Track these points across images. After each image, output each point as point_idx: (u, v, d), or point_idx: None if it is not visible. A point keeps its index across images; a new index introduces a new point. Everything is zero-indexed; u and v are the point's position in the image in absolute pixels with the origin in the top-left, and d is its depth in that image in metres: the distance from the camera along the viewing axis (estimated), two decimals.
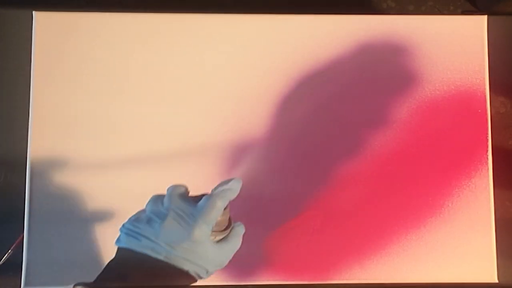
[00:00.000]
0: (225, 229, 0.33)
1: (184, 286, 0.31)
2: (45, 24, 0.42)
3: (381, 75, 0.43)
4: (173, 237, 0.30)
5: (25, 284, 0.41)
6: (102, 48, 0.42)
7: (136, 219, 0.32)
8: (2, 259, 0.42)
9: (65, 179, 0.41)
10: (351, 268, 0.41)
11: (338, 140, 0.42)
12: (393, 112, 0.43)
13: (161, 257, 0.30)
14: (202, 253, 0.30)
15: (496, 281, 0.41)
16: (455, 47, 0.43)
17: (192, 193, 0.34)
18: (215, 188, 0.33)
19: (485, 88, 0.43)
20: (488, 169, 0.42)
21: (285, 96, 0.42)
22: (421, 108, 0.43)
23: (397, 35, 0.43)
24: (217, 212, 0.31)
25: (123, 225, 0.32)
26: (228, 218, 0.33)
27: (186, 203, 0.31)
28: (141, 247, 0.30)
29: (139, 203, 0.42)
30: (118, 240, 0.31)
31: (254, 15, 0.43)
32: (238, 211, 0.40)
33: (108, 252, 0.40)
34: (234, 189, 0.33)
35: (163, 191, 0.32)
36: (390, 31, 0.43)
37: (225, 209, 0.32)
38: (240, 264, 0.41)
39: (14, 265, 0.42)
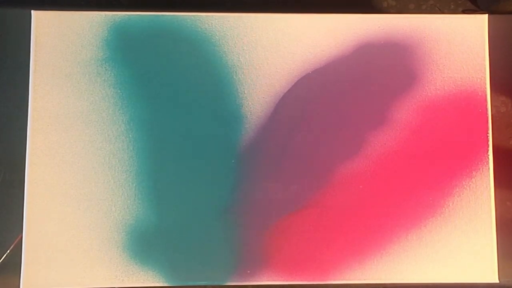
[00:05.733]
0: None
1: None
2: (44, 23, 0.42)
3: (381, 75, 0.43)
4: None
5: (24, 285, 0.40)
6: (102, 47, 0.42)
7: None
8: (1, 259, 0.42)
9: (64, 179, 0.41)
10: (351, 268, 0.41)
11: (338, 140, 0.42)
12: (393, 111, 0.42)
13: None
14: None
15: (497, 281, 0.41)
16: (456, 46, 0.43)
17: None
18: None
19: (485, 87, 0.43)
20: (488, 168, 0.42)
21: (285, 95, 0.42)
22: (421, 107, 0.43)
23: (397, 34, 0.43)
24: None
25: None
26: None
27: None
28: None
29: (139, 203, 0.41)
30: None
31: (253, 14, 0.43)
32: (238, 211, 0.40)
33: (108, 251, 0.40)
34: None
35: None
36: (390, 30, 0.43)
37: None
38: (239, 264, 0.41)
39: (13, 266, 0.42)
